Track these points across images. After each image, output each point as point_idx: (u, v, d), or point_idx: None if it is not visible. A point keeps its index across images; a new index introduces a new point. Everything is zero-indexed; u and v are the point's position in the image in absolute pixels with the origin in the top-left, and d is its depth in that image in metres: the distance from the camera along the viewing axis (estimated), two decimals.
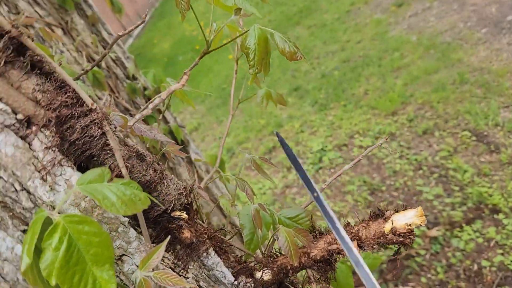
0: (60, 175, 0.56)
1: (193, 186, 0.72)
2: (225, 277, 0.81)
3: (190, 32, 8.49)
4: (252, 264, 0.91)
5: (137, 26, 0.66)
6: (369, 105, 4.34)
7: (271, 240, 0.93)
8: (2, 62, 0.51)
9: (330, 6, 6.52)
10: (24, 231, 0.54)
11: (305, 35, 6.10)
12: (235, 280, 0.82)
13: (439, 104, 3.88)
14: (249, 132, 4.75)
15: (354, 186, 3.65)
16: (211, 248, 0.80)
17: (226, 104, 5.52)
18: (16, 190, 0.53)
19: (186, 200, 0.71)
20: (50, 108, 0.56)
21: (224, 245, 0.87)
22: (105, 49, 1.75)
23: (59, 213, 0.49)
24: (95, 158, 0.60)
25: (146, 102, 1.89)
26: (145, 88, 1.97)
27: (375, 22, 5.34)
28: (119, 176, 0.63)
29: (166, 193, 0.68)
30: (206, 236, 0.80)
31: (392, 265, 3.05)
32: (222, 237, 0.88)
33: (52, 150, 0.55)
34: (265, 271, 0.89)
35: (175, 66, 7.55)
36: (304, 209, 0.95)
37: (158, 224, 0.71)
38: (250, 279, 0.87)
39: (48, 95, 0.56)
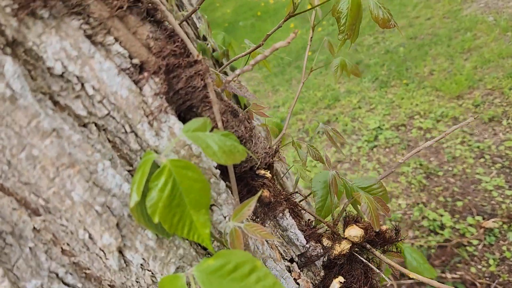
0: (165, 122, 0.59)
1: (278, 146, 0.74)
2: (298, 239, 0.83)
3: None
4: (321, 230, 0.92)
5: None
6: (433, 86, 4.21)
7: (342, 209, 0.95)
8: (125, 6, 0.53)
9: None
10: (129, 172, 0.57)
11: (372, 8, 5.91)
12: (306, 243, 0.84)
13: (511, 91, 3.71)
14: (304, 104, 4.73)
15: (409, 167, 3.59)
16: (287, 210, 0.82)
17: (284, 73, 5.50)
18: (126, 131, 0.56)
19: (270, 160, 0.73)
20: (160, 56, 0.58)
21: (297, 208, 0.89)
22: (179, 8, 1.77)
23: (165, 157, 0.52)
24: (194, 109, 0.62)
25: (214, 63, 1.91)
26: (213, 50, 1.99)
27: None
28: (214, 128, 0.65)
29: (254, 150, 0.70)
30: (282, 197, 0.82)
31: (440, 251, 3.01)
32: (295, 200, 0.90)
33: (160, 97, 0.58)
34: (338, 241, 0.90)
35: (235, 32, 7.54)
36: (378, 180, 0.95)
37: (241, 180, 0.74)
38: (319, 245, 0.89)
39: (159, 43, 0.58)
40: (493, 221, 3.06)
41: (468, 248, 2.98)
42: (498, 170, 3.36)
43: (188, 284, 0.50)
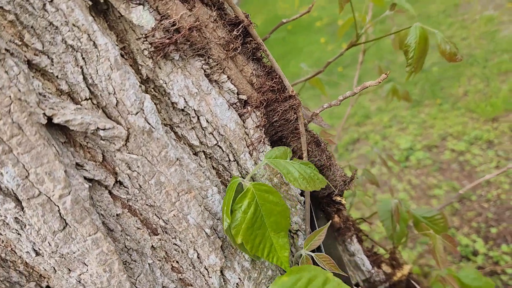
0: (262, 152, 0.66)
1: (354, 175, 0.80)
2: (364, 264, 0.89)
3: (283, 11, 8.54)
4: (384, 257, 0.98)
5: None
6: (467, 108, 4.23)
7: (405, 238, 1.00)
8: (239, 48, 0.60)
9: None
10: None
11: (406, 25, 5.96)
12: (372, 269, 0.90)
13: None
14: (334, 119, 4.78)
15: (441, 190, 3.60)
16: (354, 235, 0.88)
17: (314, 88, 5.55)
18: (229, 160, 0.63)
19: (346, 187, 0.79)
20: (261, 91, 0.65)
21: (360, 234, 0.95)
22: None
23: (251, 181, 0.59)
24: (283, 140, 0.69)
25: None
26: None
27: (485, 19, 5.14)
28: (300, 158, 0.72)
29: (332, 178, 0.76)
30: (351, 223, 0.88)
31: None
32: (359, 227, 0.96)
33: (260, 129, 0.65)
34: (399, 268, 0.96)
35: (266, 45, 7.63)
36: (440, 210, 1.01)
37: (319, 205, 0.80)
38: (381, 270, 0.94)
39: (260, 80, 0.65)
40: None
41: (502, 276, 2.98)
42: None
43: None
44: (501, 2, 5.36)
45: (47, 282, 0.55)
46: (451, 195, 3.59)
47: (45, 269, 0.53)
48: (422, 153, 4.03)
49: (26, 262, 0.53)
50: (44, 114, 0.46)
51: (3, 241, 0.51)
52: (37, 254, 0.51)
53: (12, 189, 0.47)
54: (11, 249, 0.51)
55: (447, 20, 5.50)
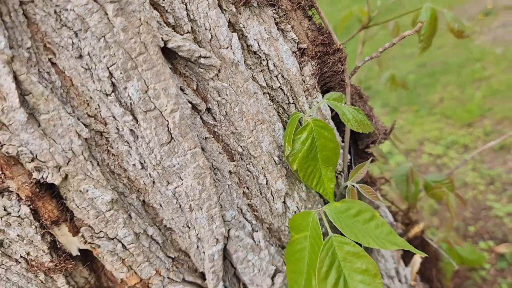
0: (315, 98, 0.76)
1: (394, 125, 0.90)
2: (387, 216, 0.99)
3: None
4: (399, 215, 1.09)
5: None
6: (443, 114, 4.43)
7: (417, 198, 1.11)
8: (302, 1, 0.70)
9: (411, 8, 6.56)
10: None
11: (381, 35, 6.19)
12: (394, 221, 1.00)
13: None
14: None
15: (421, 192, 3.76)
16: (378, 191, 0.99)
17: None
18: (289, 102, 0.73)
19: (386, 137, 0.89)
20: (314, 44, 0.75)
21: (380, 191, 1.05)
22: None
23: (309, 117, 0.68)
24: (331, 91, 0.79)
25: None
26: None
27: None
28: None
29: (375, 127, 0.86)
30: (375, 179, 0.98)
31: (453, 274, 3.16)
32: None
33: (314, 77, 0.75)
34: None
35: None
36: (448, 175, 1.13)
37: (356, 154, 0.90)
38: (399, 224, 1.05)
39: (314, 34, 0.76)
40: (505, 246, 3.23)
41: (480, 272, 3.13)
42: (508, 197, 3.54)
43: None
44: (473, 13, 5.65)
45: (143, 196, 0.63)
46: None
47: (144, 183, 0.61)
48: (401, 157, 4.19)
49: (129, 176, 0.61)
50: (161, 38, 0.55)
51: (113, 155, 0.59)
52: (142, 167, 0.60)
53: (131, 104, 0.55)
54: (119, 163, 0.60)
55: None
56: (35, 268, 0.64)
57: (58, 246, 0.62)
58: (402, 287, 1.01)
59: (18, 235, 0.59)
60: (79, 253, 0.64)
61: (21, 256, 0.63)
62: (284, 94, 0.72)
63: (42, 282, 0.66)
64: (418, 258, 1.03)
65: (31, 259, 0.63)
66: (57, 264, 0.61)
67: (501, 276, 3.03)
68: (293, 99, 0.73)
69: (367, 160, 0.79)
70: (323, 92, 0.80)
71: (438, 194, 1.10)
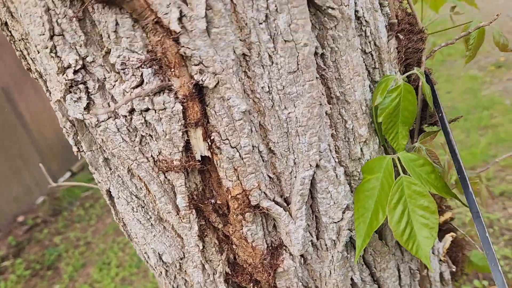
0: (395, 68, 0.93)
1: (459, 117, 1.07)
2: None
3: None
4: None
5: None
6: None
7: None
8: None
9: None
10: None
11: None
12: None
13: None
14: None
15: None
16: None
17: None
18: (375, 67, 0.90)
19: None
20: (401, 22, 0.93)
21: None
22: None
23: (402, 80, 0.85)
24: (410, 66, 0.97)
25: None
26: None
27: (470, 78, 5.69)
28: None
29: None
30: None
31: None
32: None
33: (398, 51, 0.92)
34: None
35: None
36: (477, 173, 1.29)
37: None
38: None
39: (401, 14, 0.93)
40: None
41: None
42: (505, 242, 3.71)
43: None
44: (485, 64, 5.94)
45: (260, 117, 0.79)
46: None
47: (265, 105, 0.77)
48: None
49: (254, 97, 0.77)
50: None
51: (248, 77, 0.75)
52: (268, 90, 0.76)
53: (275, 33, 0.72)
54: (250, 85, 0.76)
55: (434, 74, 6.04)
56: (160, 168, 0.79)
57: (189, 147, 0.77)
58: (434, 258, 1.16)
59: (163, 130, 0.74)
60: (200, 159, 0.79)
61: (151, 156, 0.79)
62: (373, 59, 0.89)
63: (161, 182, 0.81)
64: (449, 237, 1.19)
65: (158, 159, 0.79)
66: (185, 162, 0.77)
67: None
68: (378, 65, 0.90)
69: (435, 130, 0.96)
70: (404, 67, 0.97)
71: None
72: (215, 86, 0.71)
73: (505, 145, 4.54)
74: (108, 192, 0.89)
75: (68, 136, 0.81)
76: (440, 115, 1.02)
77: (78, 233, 4.66)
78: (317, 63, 0.81)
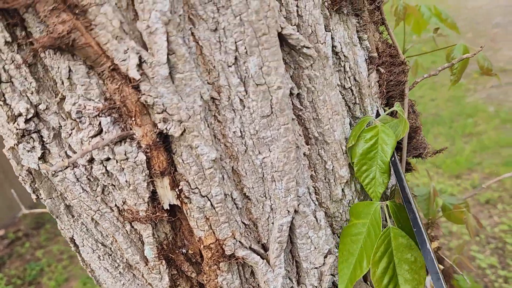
0: (376, 102, 0.88)
1: (443, 148, 1.02)
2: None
3: None
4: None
5: None
6: (433, 163, 4.62)
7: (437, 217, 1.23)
8: (379, 16, 0.83)
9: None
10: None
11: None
12: None
13: (508, 178, 4.14)
14: None
15: None
16: None
17: None
18: (355, 102, 0.85)
19: (424, 156, 1.01)
20: (383, 55, 0.88)
21: None
22: None
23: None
24: (393, 99, 0.92)
25: None
26: None
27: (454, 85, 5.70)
28: None
29: (421, 141, 0.98)
30: None
31: None
32: None
33: (379, 85, 0.87)
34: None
35: None
36: (464, 199, 1.25)
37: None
38: None
39: (383, 46, 0.88)
40: None
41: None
42: (491, 250, 3.69)
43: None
44: (469, 71, 5.95)
45: (233, 163, 0.73)
46: None
47: (237, 150, 0.71)
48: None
49: (226, 142, 0.71)
50: (280, 25, 0.67)
51: (218, 121, 0.69)
52: (241, 135, 0.70)
53: (245, 76, 0.66)
54: (221, 129, 0.70)
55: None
56: (125, 217, 0.73)
57: (155, 197, 0.71)
58: None
59: (126, 181, 0.68)
60: (168, 208, 0.73)
61: (115, 205, 0.72)
62: (353, 94, 0.84)
63: (127, 232, 0.75)
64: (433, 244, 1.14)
65: (123, 209, 0.73)
66: (152, 214, 0.71)
67: None
68: (359, 100, 0.85)
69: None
70: (386, 99, 0.92)
71: (455, 216, 1.22)
72: (182, 134, 0.65)
73: (489, 152, 4.54)
74: (72, 239, 0.82)
75: (25, 184, 0.75)
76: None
77: (61, 246, 4.56)
78: (293, 104, 0.75)
